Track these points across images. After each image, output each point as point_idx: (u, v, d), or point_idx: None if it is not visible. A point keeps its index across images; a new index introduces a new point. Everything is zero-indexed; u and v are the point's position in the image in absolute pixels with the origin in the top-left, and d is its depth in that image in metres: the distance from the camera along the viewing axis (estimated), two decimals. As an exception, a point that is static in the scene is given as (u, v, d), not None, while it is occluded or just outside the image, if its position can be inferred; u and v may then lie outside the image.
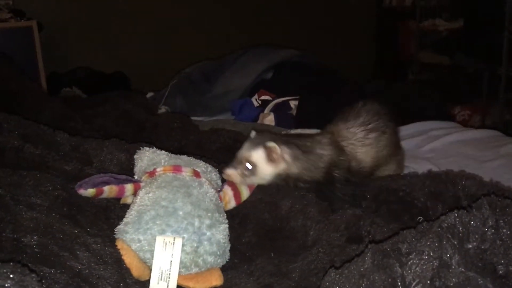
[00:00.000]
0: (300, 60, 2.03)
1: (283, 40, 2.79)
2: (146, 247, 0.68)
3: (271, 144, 0.87)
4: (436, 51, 3.61)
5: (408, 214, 0.80)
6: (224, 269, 0.73)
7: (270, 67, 1.93)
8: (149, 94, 2.03)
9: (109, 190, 0.77)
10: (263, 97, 1.77)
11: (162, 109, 1.71)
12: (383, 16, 3.94)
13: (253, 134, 0.94)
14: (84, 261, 0.65)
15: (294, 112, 1.68)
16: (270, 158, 0.87)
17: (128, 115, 1.37)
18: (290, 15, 3.48)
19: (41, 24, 2.58)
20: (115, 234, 0.71)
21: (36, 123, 0.98)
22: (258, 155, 0.87)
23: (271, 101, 1.74)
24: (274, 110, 1.70)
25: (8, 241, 0.63)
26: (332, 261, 0.69)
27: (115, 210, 0.81)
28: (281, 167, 0.87)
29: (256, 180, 0.88)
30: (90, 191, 0.76)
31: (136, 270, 0.68)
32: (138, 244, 0.69)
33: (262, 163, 0.87)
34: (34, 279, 0.51)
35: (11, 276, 0.49)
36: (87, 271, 0.64)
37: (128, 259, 0.68)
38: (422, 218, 0.74)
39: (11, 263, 0.51)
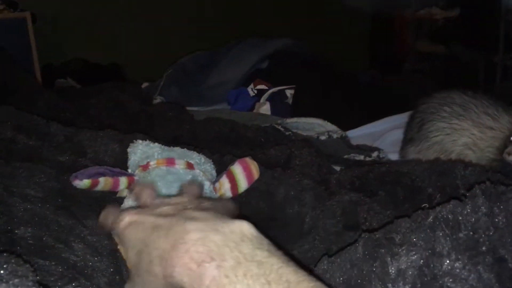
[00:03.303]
0: (295, 49, 2.03)
1: (276, 30, 2.78)
2: None
3: None
4: (432, 41, 3.61)
5: (410, 201, 0.80)
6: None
7: (265, 56, 1.93)
8: (144, 85, 2.02)
9: (104, 182, 0.76)
10: (259, 87, 1.76)
11: (157, 100, 1.70)
12: (379, 5, 3.93)
13: None
14: (79, 252, 0.65)
15: (290, 101, 1.67)
16: None
17: (123, 106, 1.37)
18: (283, 5, 3.47)
19: (35, 15, 2.57)
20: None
21: (30, 114, 0.97)
22: None
23: (267, 90, 1.73)
24: (270, 99, 1.70)
25: (2, 233, 0.63)
26: (329, 248, 0.69)
27: (110, 202, 0.80)
28: None
29: None
30: (85, 182, 0.75)
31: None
32: None
33: None
34: (28, 269, 0.50)
35: (5, 266, 0.49)
36: (82, 263, 0.64)
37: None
38: (427, 206, 0.73)
39: (5, 254, 0.51)
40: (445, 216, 0.53)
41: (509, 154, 0.93)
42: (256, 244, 0.42)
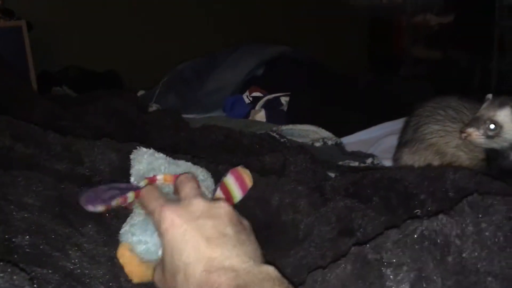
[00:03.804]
0: (291, 56, 2.04)
1: (274, 35, 2.79)
2: (153, 249, 0.67)
3: None
4: (427, 46, 3.63)
5: (404, 207, 0.80)
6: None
7: (261, 63, 1.93)
8: (140, 92, 2.03)
9: (115, 204, 0.75)
10: (254, 94, 1.77)
11: (153, 107, 1.71)
12: (376, 11, 3.96)
13: (489, 96, 0.92)
14: (76, 260, 0.65)
15: (285, 108, 1.68)
16: None
17: (119, 113, 1.37)
18: (281, 10, 3.49)
19: (31, 24, 2.57)
20: (118, 236, 0.70)
21: (27, 123, 0.97)
22: (504, 115, 0.85)
23: (262, 97, 1.74)
24: (265, 106, 1.71)
25: (0, 242, 0.63)
26: (324, 255, 0.69)
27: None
28: None
29: (496, 143, 0.86)
30: (100, 208, 0.74)
31: (137, 277, 0.68)
32: (144, 246, 0.67)
33: (509, 124, 0.84)
34: (24, 277, 0.51)
35: (1, 275, 0.49)
36: (79, 270, 0.64)
37: (130, 267, 0.68)
38: (419, 212, 0.74)
39: (1, 263, 0.52)
40: (432, 236, 0.52)
41: (463, 132, 0.94)
42: (276, 282, 0.51)
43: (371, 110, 1.71)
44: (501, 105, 0.89)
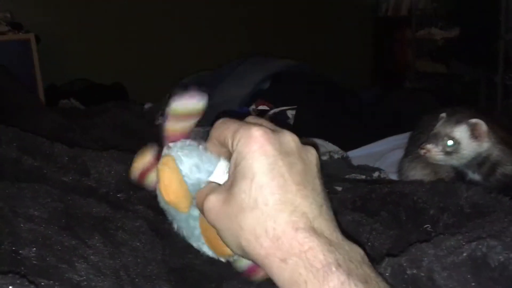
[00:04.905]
0: (297, 70, 2.04)
1: (279, 50, 2.80)
2: (204, 167, 0.56)
3: (476, 120, 0.86)
4: (432, 60, 3.63)
5: (413, 222, 0.80)
6: (225, 279, 0.73)
7: (267, 77, 1.94)
8: (147, 105, 2.04)
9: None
10: (261, 107, 1.78)
11: (160, 120, 1.71)
12: (379, 25, 3.97)
13: (444, 114, 0.93)
14: (83, 272, 0.65)
15: (291, 121, 1.68)
16: (474, 135, 0.85)
17: (126, 126, 1.38)
18: (286, 24, 3.51)
19: (39, 37, 2.60)
20: (165, 151, 0.59)
21: (34, 135, 0.98)
22: (461, 132, 0.86)
23: (268, 111, 1.74)
24: (272, 120, 1.71)
25: (7, 253, 0.63)
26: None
27: (114, 221, 0.81)
28: (485, 146, 0.86)
29: (454, 160, 0.86)
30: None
31: (174, 195, 0.56)
32: (196, 160, 0.56)
33: (466, 140, 0.85)
34: (33, 290, 0.51)
35: (10, 287, 0.49)
36: (85, 283, 0.64)
37: (169, 181, 0.56)
38: (430, 226, 0.73)
39: (10, 275, 0.52)
40: (479, 261, 0.50)
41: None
42: (372, 269, 0.42)
43: (376, 124, 1.71)
44: (458, 122, 0.90)
